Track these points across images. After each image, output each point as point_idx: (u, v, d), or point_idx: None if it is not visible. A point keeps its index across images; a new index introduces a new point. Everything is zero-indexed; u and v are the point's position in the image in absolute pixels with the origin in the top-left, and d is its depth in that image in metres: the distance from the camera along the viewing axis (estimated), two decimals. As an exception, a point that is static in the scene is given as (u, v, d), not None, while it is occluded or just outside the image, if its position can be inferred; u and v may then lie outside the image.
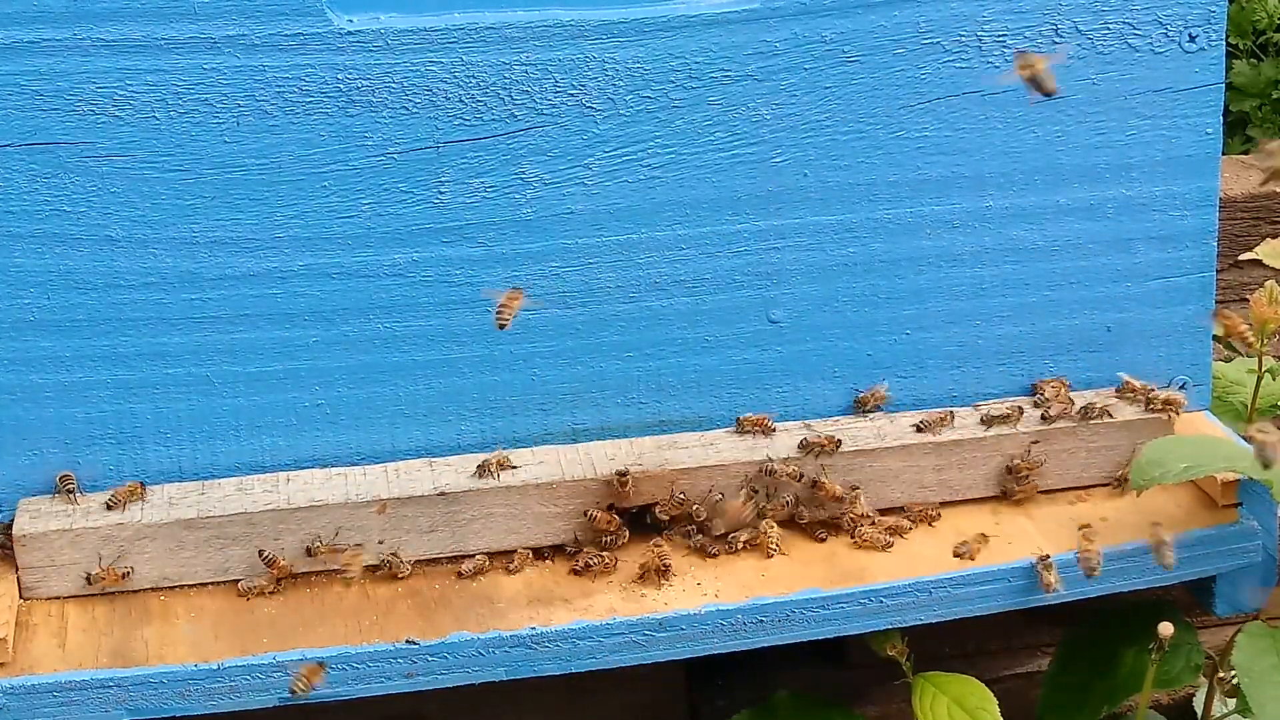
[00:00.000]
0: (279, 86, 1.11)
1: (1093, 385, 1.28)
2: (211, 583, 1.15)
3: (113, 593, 1.14)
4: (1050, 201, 1.24)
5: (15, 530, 1.13)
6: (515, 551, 1.17)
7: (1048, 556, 1.16)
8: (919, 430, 1.23)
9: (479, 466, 1.17)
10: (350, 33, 1.11)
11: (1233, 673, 1.26)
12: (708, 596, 1.14)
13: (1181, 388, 1.29)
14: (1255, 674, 1.16)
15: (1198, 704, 1.38)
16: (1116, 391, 1.27)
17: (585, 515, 1.17)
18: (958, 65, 1.20)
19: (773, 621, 1.14)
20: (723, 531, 1.18)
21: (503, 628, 1.11)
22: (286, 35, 1.11)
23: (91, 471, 1.16)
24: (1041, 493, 1.25)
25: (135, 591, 1.14)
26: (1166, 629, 1.13)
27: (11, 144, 1.09)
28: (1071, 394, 1.26)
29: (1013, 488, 1.23)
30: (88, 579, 1.13)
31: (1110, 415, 1.24)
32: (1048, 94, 1.13)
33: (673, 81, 1.17)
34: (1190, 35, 1.22)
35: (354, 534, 1.16)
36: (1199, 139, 1.25)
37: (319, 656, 1.08)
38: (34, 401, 1.14)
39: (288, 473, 1.18)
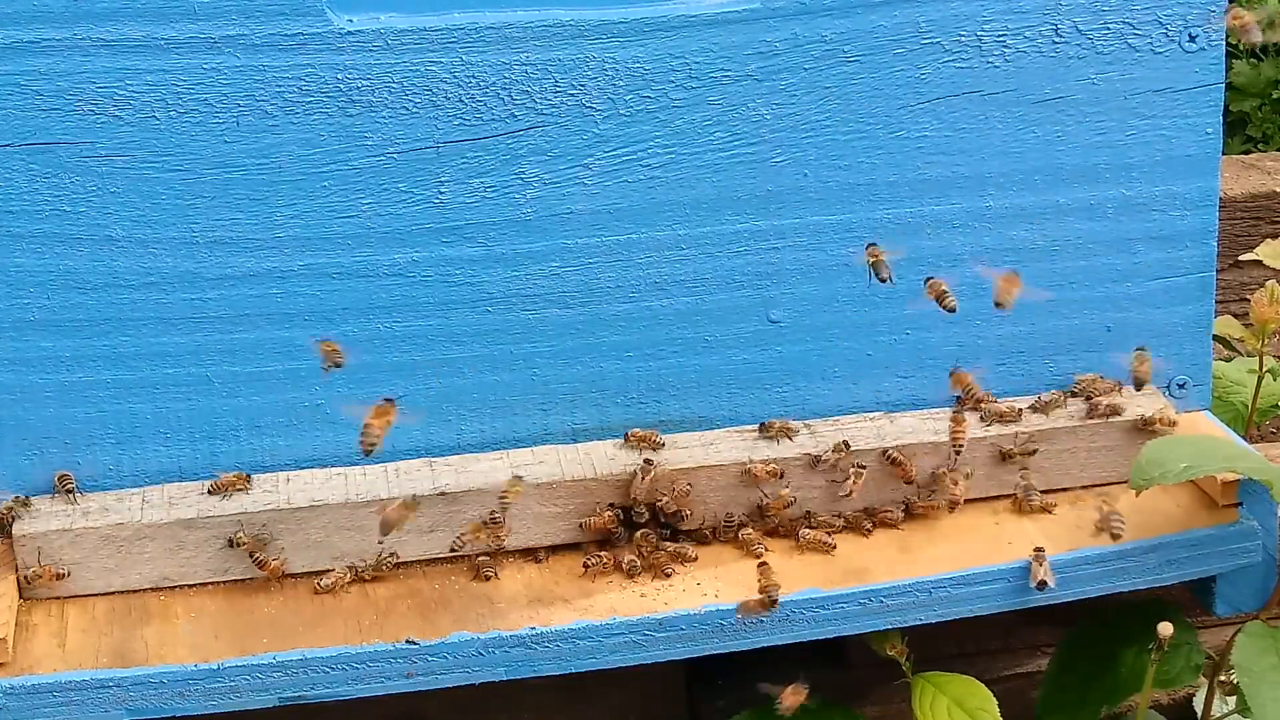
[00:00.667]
0: (279, 86, 1.11)
1: (1093, 385, 1.28)
2: (211, 583, 1.15)
3: (114, 592, 1.14)
4: (1050, 201, 1.24)
5: (15, 530, 1.12)
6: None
7: (1041, 550, 1.16)
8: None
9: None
10: (350, 33, 1.11)
11: (1233, 673, 1.26)
12: (708, 597, 1.14)
13: (1181, 387, 1.29)
14: (1255, 674, 1.16)
15: (1198, 704, 1.38)
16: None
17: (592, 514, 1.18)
18: (958, 65, 1.20)
19: (773, 621, 1.14)
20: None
21: (502, 628, 1.11)
22: (286, 35, 1.11)
23: (91, 471, 1.16)
24: (1042, 493, 1.25)
25: (135, 591, 1.14)
26: (1166, 629, 1.13)
27: (11, 144, 1.09)
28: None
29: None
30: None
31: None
32: (882, 281, 1.18)
33: (673, 81, 1.17)
34: (1190, 35, 1.23)
35: (354, 534, 1.16)
36: (1199, 139, 1.25)
37: (321, 654, 1.08)
38: (34, 401, 1.14)
39: (288, 473, 1.18)
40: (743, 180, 1.19)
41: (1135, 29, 1.22)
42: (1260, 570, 1.21)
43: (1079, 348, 1.28)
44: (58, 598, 1.13)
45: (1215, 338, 1.32)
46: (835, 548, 1.19)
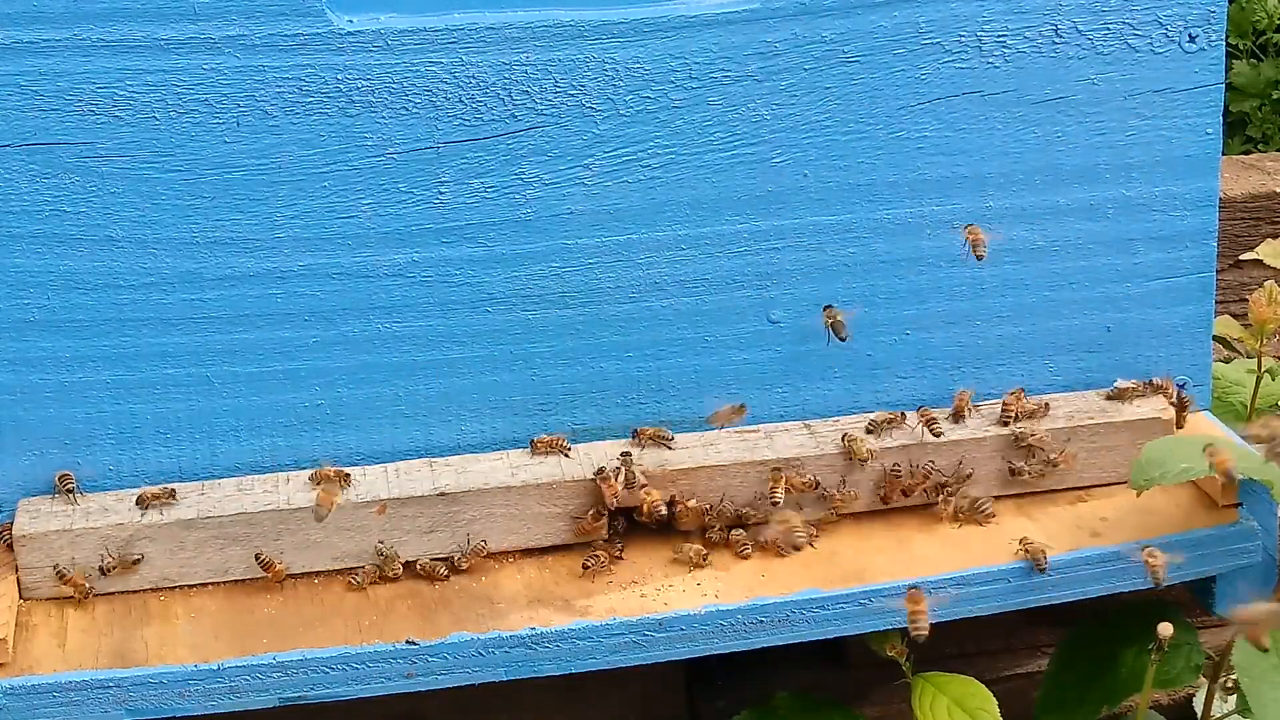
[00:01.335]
0: (279, 86, 1.11)
1: (1093, 385, 1.28)
2: (211, 583, 1.15)
3: (112, 593, 1.14)
4: (1050, 201, 1.24)
5: (15, 530, 1.13)
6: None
7: (1026, 538, 1.16)
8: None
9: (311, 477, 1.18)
10: (350, 33, 1.11)
11: (1233, 673, 1.26)
12: (708, 597, 1.14)
13: (1181, 387, 1.29)
14: (1255, 674, 1.16)
15: (1198, 704, 1.38)
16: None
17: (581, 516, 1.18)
18: (958, 65, 1.20)
19: (773, 621, 1.14)
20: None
21: (502, 628, 1.11)
22: (286, 35, 1.11)
23: (91, 471, 1.16)
24: (1042, 493, 1.25)
25: (135, 591, 1.14)
26: (1166, 629, 1.13)
27: (11, 144, 1.09)
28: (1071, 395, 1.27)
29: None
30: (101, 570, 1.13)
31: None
32: (841, 340, 1.21)
33: (673, 81, 1.17)
34: (1190, 35, 1.23)
35: (354, 534, 1.16)
36: (1199, 139, 1.25)
37: (321, 654, 1.08)
38: (34, 401, 1.14)
39: (288, 473, 1.18)
40: (743, 180, 1.19)
41: (1135, 29, 1.22)
42: (1260, 570, 1.21)
43: (1079, 348, 1.28)
44: (57, 598, 1.13)
45: (1215, 338, 1.32)
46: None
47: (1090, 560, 1.18)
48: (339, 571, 1.16)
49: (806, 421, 1.24)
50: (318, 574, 1.16)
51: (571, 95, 1.15)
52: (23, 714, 1.05)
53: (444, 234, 1.16)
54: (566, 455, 1.20)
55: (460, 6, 1.13)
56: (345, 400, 1.18)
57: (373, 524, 1.16)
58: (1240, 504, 1.21)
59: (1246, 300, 1.46)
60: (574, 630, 1.11)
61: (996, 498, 1.24)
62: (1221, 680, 1.32)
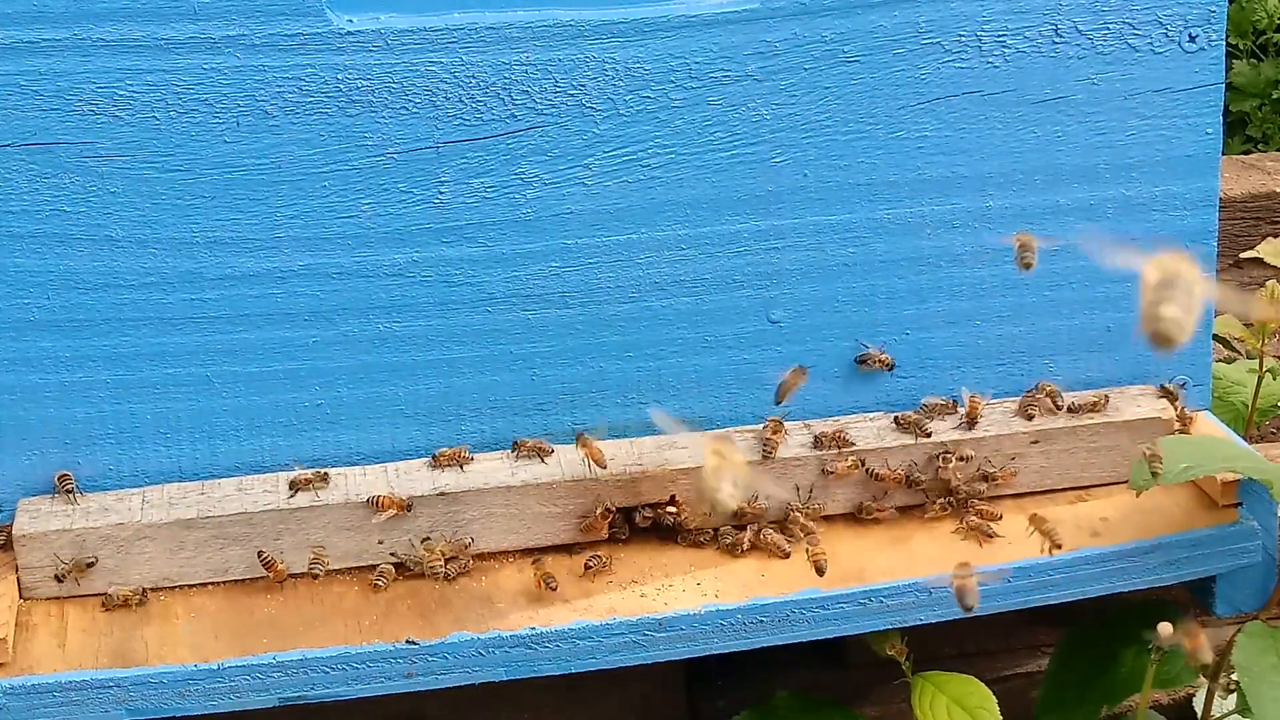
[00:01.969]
0: (279, 86, 1.11)
1: (1092, 385, 1.28)
2: (211, 583, 1.15)
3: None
4: (1050, 201, 1.24)
5: (15, 530, 1.13)
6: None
7: (968, 564, 1.14)
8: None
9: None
10: (350, 33, 1.11)
11: (1233, 673, 1.26)
12: (708, 597, 1.14)
13: (1181, 387, 1.29)
14: (1255, 674, 1.16)
15: (1198, 704, 1.38)
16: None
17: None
18: (958, 65, 1.20)
19: (773, 621, 1.14)
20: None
21: (502, 628, 1.11)
22: (286, 35, 1.11)
23: (91, 471, 1.16)
24: (1042, 493, 1.25)
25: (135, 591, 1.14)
26: (1166, 629, 1.13)
27: (11, 144, 1.09)
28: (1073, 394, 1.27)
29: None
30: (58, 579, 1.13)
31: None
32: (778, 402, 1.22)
33: (673, 81, 1.17)
34: (1190, 35, 1.23)
35: (354, 534, 1.16)
36: (1199, 139, 1.25)
37: (321, 654, 1.08)
38: (34, 401, 1.14)
39: (288, 473, 1.18)
40: (743, 180, 1.19)
41: (1135, 29, 1.22)
42: (1260, 570, 1.21)
43: (1079, 348, 1.28)
44: (57, 598, 1.13)
45: (1215, 338, 1.32)
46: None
47: (1090, 560, 1.18)
48: (339, 571, 1.16)
49: (807, 422, 1.24)
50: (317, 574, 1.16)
51: (571, 95, 1.15)
52: (23, 714, 1.05)
53: (444, 234, 1.16)
54: (545, 460, 1.19)
55: (460, 6, 1.13)
56: (345, 400, 1.18)
57: (373, 523, 1.16)
58: (1240, 504, 1.21)
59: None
60: (574, 630, 1.11)
61: (993, 498, 1.24)
62: (1221, 680, 1.32)
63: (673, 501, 1.19)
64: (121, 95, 1.10)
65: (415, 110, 1.14)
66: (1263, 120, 2.68)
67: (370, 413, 1.19)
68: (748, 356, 1.23)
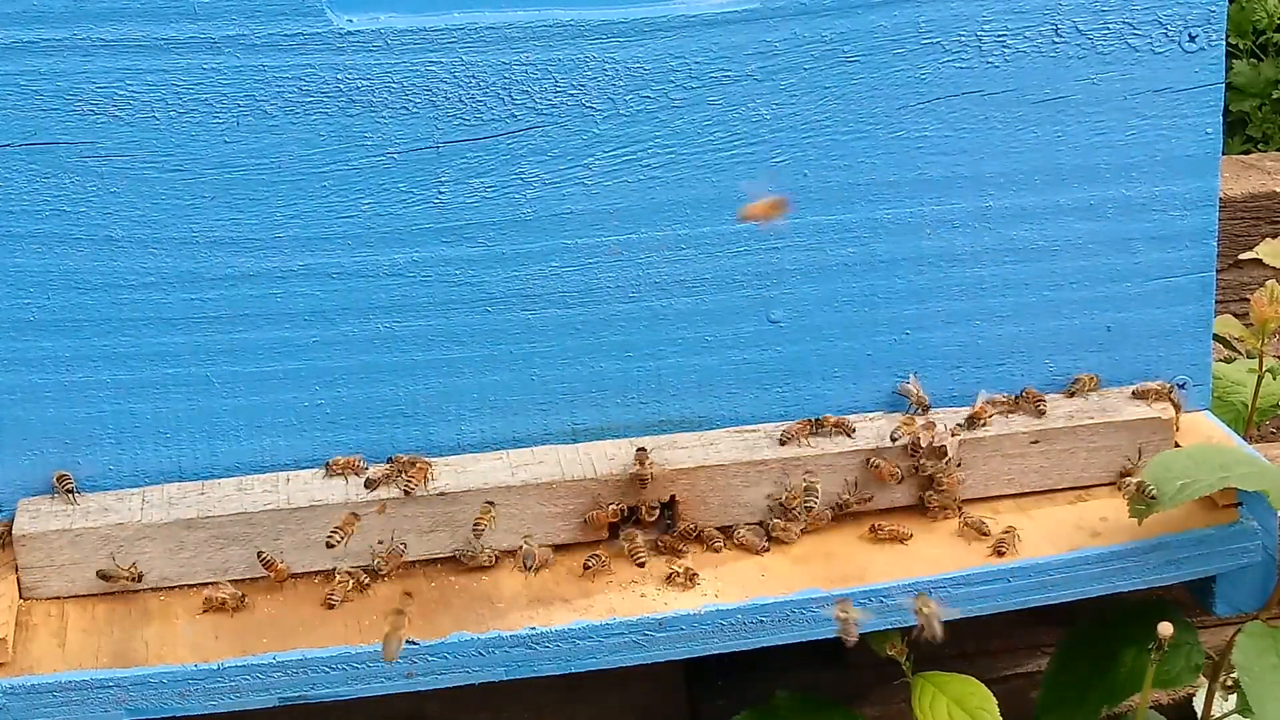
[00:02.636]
0: (279, 86, 1.11)
1: (1093, 385, 1.28)
2: (211, 583, 1.15)
3: (115, 593, 1.14)
4: (1050, 201, 1.24)
5: (15, 530, 1.13)
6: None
7: (846, 599, 1.14)
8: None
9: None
10: (350, 33, 1.11)
11: (1233, 672, 1.26)
12: (708, 596, 1.14)
13: (1182, 387, 1.29)
14: (1255, 674, 1.16)
15: (1198, 704, 1.38)
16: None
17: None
18: (958, 65, 1.20)
19: (773, 621, 1.14)
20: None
21: (502, 628, 1.11)
22: (286, 35, 1.11)
23: (91, 471, 1.16)
24: (1042, 493, 1.25)
25: (135, 591, 1.14)
26: (1166, 629, 1.13)
27: (11, 144, 1.09)
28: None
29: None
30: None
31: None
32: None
33: (673, 81, 1.17)
34: (1190, 35, 1.23)
35: (354, 534, 1.16)
36: (1199, 139, 1.25)
37: (321, 654, 1.08)
38: (34, 401, 1.14)
39: (288, 473, 1.18)
40: (743, 180, 1.19)
41: (1135, 29, 1.22)
42: (1260, 570, 1.21)
43: (1079, 348, 1.28)
44: (57, 598, 1.13)
45: (1215, 338, 1.32)
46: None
47: (1090, 560, 1.18)
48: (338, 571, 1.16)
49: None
50: (317, 574, 1.16)
51: (571, 95, 1.15)
52: (23, 714, 1.05)
53: (444, 234, 1.16)
54: (359, 475, 1.17)
55: (460, 6, 1.13)
56: (345, 400, 1.18)
57: (373, 524, 1.16)
58: (1240, 504, 1.21)
59: (1246, 300, 1.46)
60: (574, 630, 1.11)
61: (995, 498, 1.24)
62: (1221, 680, 1.32)
63: (673, 501, 1.19)
64: (121, 95, 1.10)
65: (415, 110, 1.14)
66: (1263, 120, 2.68)
67: (370, 413, 1.19)
68: (748, 356, 1.23)
